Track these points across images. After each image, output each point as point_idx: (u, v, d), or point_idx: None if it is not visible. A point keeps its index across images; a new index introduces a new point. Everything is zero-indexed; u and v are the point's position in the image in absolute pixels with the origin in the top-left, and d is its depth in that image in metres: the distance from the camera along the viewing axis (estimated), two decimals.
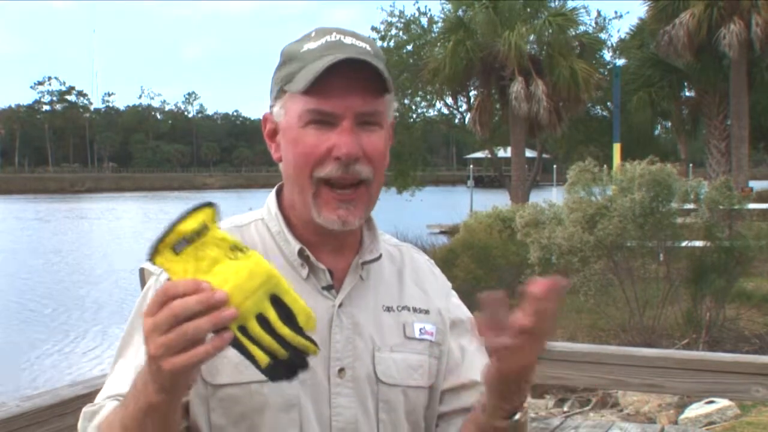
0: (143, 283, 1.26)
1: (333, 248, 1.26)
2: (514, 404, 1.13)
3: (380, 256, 1.29)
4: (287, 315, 0.95)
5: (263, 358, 0.94)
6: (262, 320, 0.94)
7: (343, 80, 1.16)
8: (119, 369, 1.20)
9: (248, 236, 1.27)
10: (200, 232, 0.95)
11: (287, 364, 0.95)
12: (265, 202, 1.32)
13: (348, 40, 1.21)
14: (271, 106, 1.26)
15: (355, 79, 1.17)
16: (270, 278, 0.95)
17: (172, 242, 0.94)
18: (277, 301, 0.95)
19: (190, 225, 0.95)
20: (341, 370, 1.22)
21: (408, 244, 1.42)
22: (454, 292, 1.41)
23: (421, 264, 1.39)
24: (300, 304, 0.96)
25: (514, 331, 1.03)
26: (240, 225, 1.29)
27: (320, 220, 1.20)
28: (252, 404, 1.10)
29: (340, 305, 1.24)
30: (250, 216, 1.31)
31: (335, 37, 1.21)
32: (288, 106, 1.21)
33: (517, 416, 1.13)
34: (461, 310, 1.38)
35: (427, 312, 1.32)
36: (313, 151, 1.18)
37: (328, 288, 1.24)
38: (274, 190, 1.32)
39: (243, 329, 0.93)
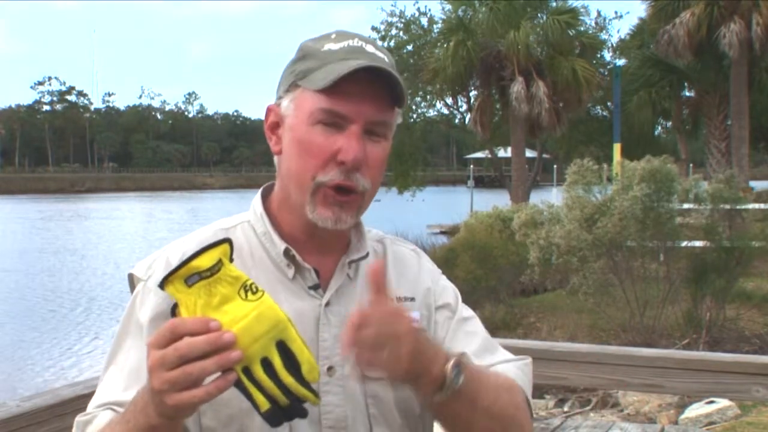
0: (132, 288, 1.25)
1: (320, 248, 1.26)
2: (427, 378, 1.09)
3: (367, 255, 1.29)
4: (292, 363, 0.96)
5: (264, 403, 0.96)
6: (267, 365, 0.95)
7: (361, 86, 1.16)
8: (110, 375, 1.21)
9: (234, 239, 1.26)
10: (213, 270, 0.97)
11: (286, 411, 0.96)
12: (251, 204, 1.31)
13: (369, 48, 1.21)
14: (279, 98, 1.25)
15: (372, 87, 1.17)
16: (278, 324, 0.96)
17: (185, 275, 0.96)
18: (283, 348, 0.96)
19: (205, 262, 0.96)
20: (330, 368, 1.21)
21: (392, 237, 1.41)
22: (443, 277, 1.40)
23: (404, 253, 1.38)
24: (305, 355, 0.97)
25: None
26: (226, 227, 1.29)
27: (313, 215, 1.20)
28: (241, 406, 1.09)
29: (327, 304, 1.24)
30: (237, 218, 1.31)
31: (357, 42, 1.21)
32: (298, 102, 1.21)
33: (447, 384, 1.09)
34: (448, 294, 1.36)
35: (412, 299, 1.31)
36: (320, 153, 1.18)
37: (315, 287, 1.24)
38: (259, 192, 1.31)
39: (247, 371, 0.95)
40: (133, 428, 1.01)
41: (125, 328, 1.23)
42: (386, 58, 1.22)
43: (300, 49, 1.25)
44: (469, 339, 1.31)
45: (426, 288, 1.34)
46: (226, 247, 0.99)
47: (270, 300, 0.97)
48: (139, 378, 1.15)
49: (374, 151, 1.20)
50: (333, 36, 1.23)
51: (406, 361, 1.05)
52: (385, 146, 1.22)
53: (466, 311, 1.36)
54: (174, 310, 0.98)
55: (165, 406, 0.95)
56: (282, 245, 1.24)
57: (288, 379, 0.95)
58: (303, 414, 0.98)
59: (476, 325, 1.35)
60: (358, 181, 1.18)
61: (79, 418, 1.18)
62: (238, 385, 0.95)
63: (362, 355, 1.04)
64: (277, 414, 0.96)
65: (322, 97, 1.17)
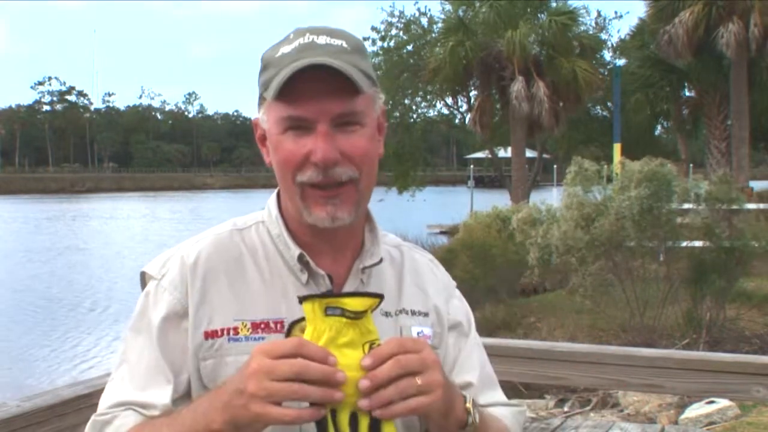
0: (144, 286, 1.25)
1: (332, 250, 1.24)
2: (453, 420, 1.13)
3: (381, 261, 1.27)
4: (376, 427, 1.01)
5: None
6: (353, 419, 1.00)
7: (315, 83, 1.13)
8: (123, 374, 1.20)
9: (249, 239, 1.26)
10: (358, 315, 1.01)
11: None
12: (266, 204, 1.31)
13: (321, 39, 1.17)
14: (258, 112, 1.26)
15: (328, 81, 1.13)
16: None
17: (329, 304, 1.01)
18: (374, 417, 1.01)
19: (356, 305, 1.01)
20: None
21: (410, 244, 1.40)
22: (457, 292, 1.39)
23: (422, 264, 1.37)
24: (390, 426, 1.02)
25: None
26: (241, 228, 1.28)
27: (311, 219, 1.19)
28: None
29: None
30: (252, 218, 1.30)
31: (308, 38, 1.18)
32: (268, 113, 1.20)
33: (470, 421, 1.14)
34: (461, 313, 1.36)
35: (426, 315, 1.30)
36: (292, 158, 1.17)
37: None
38: (275, 192, 1.30)
39: (333, 414, 0.99)
40: (187, 431, 1.04)
41: (137, 326, 1.22)
42: (344, 43, 1.18)
43: (261, 60, 1.23)
44: (477, 368, 1.33)
45: (440, 305, 1.33)
46: (377, 301, 1.04)
47: None
48: (157, 378, 1.16)
49: (351, 141, 1.16)
50: (291, 36, 1.21)
51: (442, 390, 1.05)
52: (363, 132, 1.18)
53: (478, 337, 1.38)
54: (291, 328, 1.07)
55: (244, 411, 0.98)
56: (296, 250, 1.22)
57: None
58: None
59: (483, 355, 1.37)
60: (340, 175, 1.16)
61: (97, 417, 1.17)
62: (320, 422, 0.99)
63: (386, 392, 1.00)
64: None
65: (280, 105, 1.16)
